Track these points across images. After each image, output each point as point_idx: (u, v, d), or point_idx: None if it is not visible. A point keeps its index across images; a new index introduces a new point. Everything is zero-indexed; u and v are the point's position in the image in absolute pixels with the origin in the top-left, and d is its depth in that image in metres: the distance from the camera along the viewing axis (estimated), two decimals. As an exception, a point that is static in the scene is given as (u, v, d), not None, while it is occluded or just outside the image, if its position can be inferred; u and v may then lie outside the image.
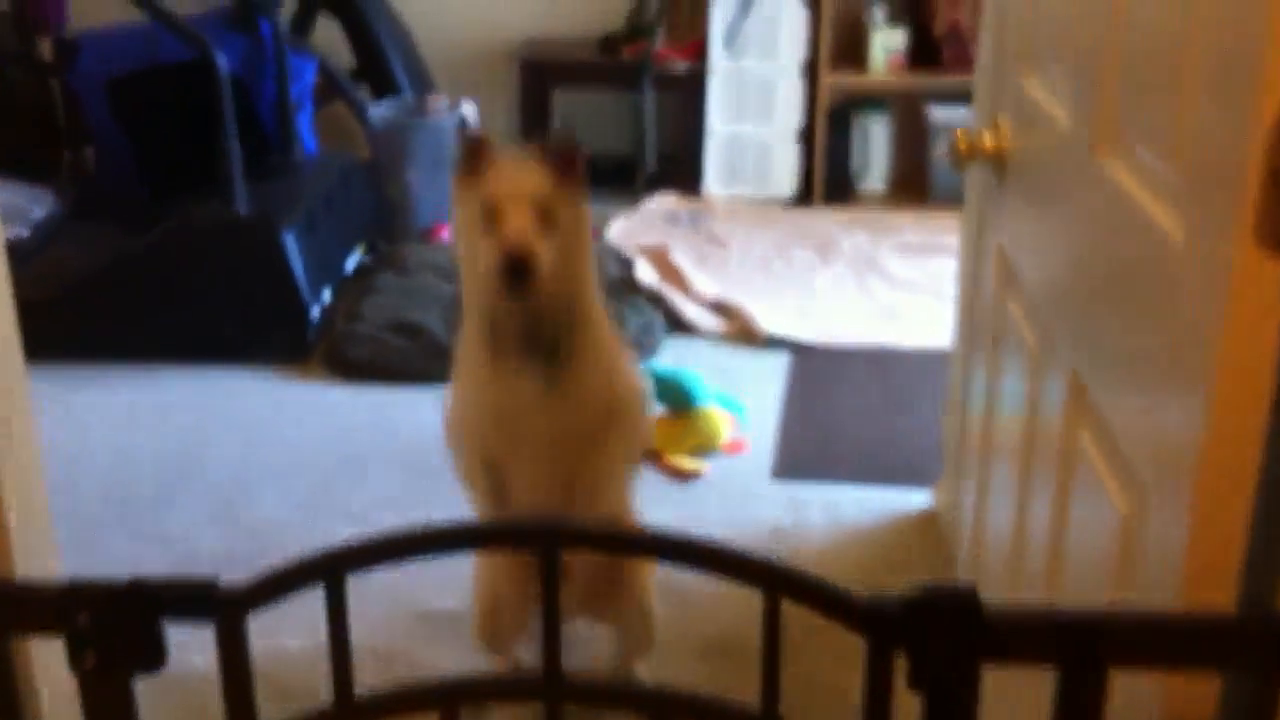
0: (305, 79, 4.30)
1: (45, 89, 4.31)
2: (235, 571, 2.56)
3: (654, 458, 3.03)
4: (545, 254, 1.69)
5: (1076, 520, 1.43)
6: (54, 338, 3.51)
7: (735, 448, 3.09)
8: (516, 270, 1.66)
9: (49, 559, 2.01)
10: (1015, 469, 1.71)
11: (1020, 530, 1.68)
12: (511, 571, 1.98)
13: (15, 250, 3.79)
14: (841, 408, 3.31)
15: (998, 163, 1.73)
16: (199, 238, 3.50)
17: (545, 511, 1.89)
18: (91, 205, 4.08)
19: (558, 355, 1.79)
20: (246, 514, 2.81)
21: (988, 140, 1.73)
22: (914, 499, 2.87)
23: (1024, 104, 1.66)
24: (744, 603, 2.33)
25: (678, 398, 3.08)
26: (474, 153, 1.75)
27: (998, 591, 1.76)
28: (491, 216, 1.70)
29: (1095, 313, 1.34)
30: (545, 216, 1.70)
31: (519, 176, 1.72)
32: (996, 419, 1.91)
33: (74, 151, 4.48)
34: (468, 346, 1.87)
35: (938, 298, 4.01)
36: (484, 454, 1.90)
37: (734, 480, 2.95)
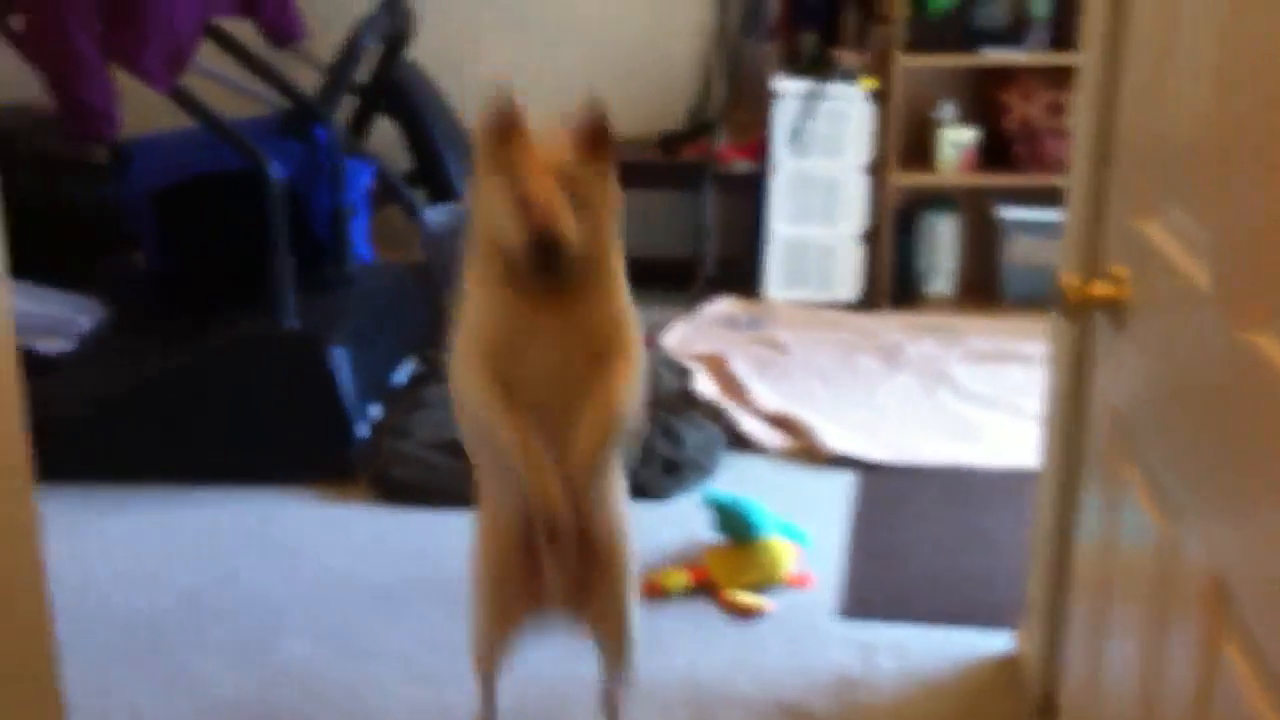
0: (361, 184, 4.23)
1: (94, 197, 4.27)
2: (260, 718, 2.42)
3: (712, 592, 2.85)
4: (574, 232, 1.67)
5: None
6: (90, 458, 3.43)
7: (799, 582, 2.90)
8: (547, 249, 1.65)
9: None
10: (1137, 651, 1.51)
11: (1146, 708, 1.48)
12: (506, 585, 1.99)
13: (59, 365, 3.75)
14: (912, 536, 3.11)
15: (1115, 313, 1.56)
16: (243, 353, 3.40)
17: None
18: (138, 315, 4.00)
19: (572, 291, 1.80)
20: (276, 654, 2.66)
21: (1100, 290, 1.55)
22: (993, 642, 2.66)
23: (1146, 252, 1.49)
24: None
25: (738, 527, 2.90)
26: (504, 120, 1.71)
27: None
28: (520, 188, 1.67)
29: (1246, 515, 1.15)
30: (574, 191, 1.68)
31: (549, 150, 1.69)
32: (1111, 581, 1.71)
33: (122, 260, 4.42)
34: (479, 279, 1.84)
35: (1012, 413, 3.81)
36: (494, 369, 1.86)
37: (798, 619, 2.76)
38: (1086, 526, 1.96)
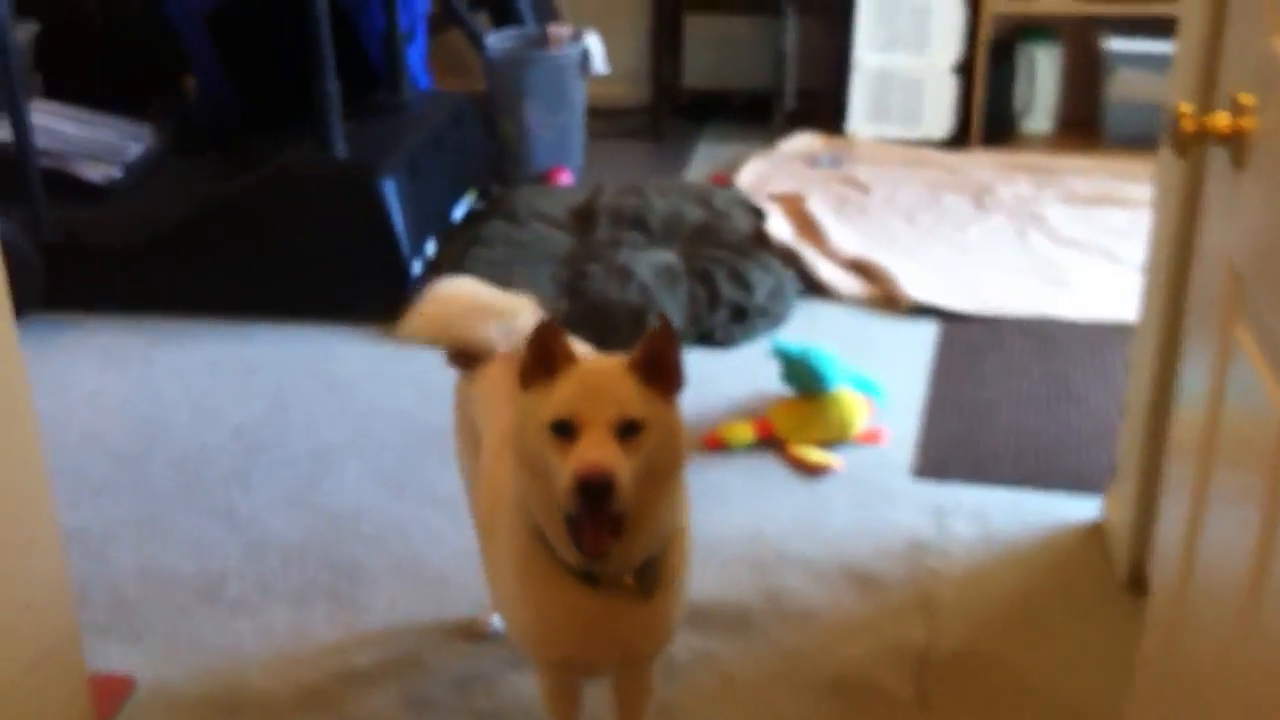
0: (418, 6, 3.99)
1: (148, 21, 4.08)
2: (305, 563, 2.33)
3: (779, 447, 2.69)
4: (627, 476, 1.39)
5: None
6: (139, 288, 3.33)
7: (871, 438, 2.72)
8: (594, 495, 1.37)
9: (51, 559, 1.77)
10: (1242, 524, 1.32)
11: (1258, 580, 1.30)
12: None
13: (107, 193, 3.62)
14: (995, 392, 2.91)
15: (1235, 148, 1.32)
16: (291, 185, 3.23)
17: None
18: (191, 141, 3.85)
19: (645, 579, 1.52)
20: (325, 495, 2.56)
21: (1219, 121, 1.31)
22: (1078, 509, 2.47)
23: (1277, 76, 1.25)
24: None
25: (808, 380, 2.72)
26: (545, 346, 1.46)
27: (1214, 635, 1.39)
28: (566, 430, 1.41)
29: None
30: (630, 430, 1.41)
31: (601, 387, 1.42)
32: (1216, 449, 1.51)
33: (174, 85, 4.26)
34: (524, 555, 1.56)
35: (1110, 260, 3.55)
36: (557, 661, 1.64)
37: (868, 478, 2.59)
38: (1190, 388, 1.76)
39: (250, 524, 2.47)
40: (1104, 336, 3.14)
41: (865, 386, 2.82)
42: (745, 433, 2.71)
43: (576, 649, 1.58)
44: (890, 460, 2.65)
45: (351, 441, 2.75)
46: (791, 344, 2.79)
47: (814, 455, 2.64)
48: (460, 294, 1.94)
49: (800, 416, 2.71)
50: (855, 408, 2.72)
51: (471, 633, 2.15)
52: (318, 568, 2.33)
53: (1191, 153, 1.38)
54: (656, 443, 1.42)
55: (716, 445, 2.70)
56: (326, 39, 3.15)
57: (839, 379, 2.73)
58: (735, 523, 2.44)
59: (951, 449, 2.68)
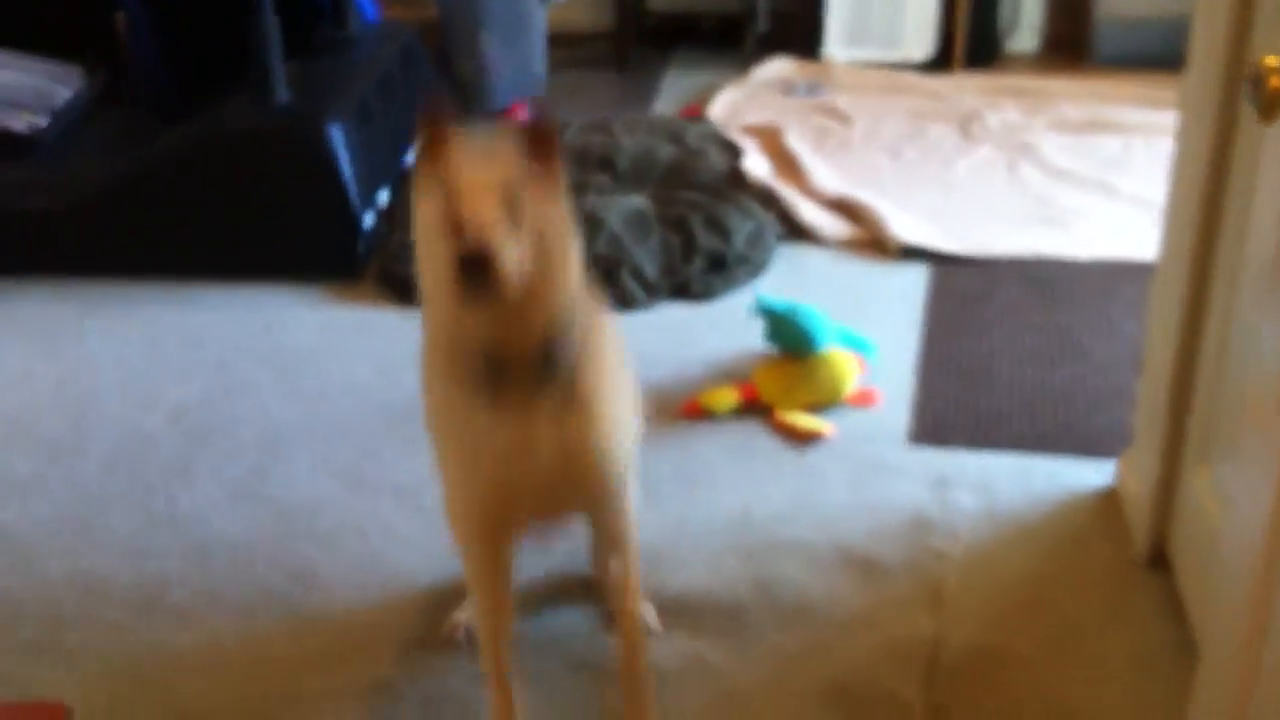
0: (362, -68, 3.70)
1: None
2: (254, 566, 2.13)
3: (765, 413, 2.50)
4: (510, 250, 1.38)
5: None
6: (70, 252, 3.09)
7: (864, 399, 2.53)
8: (475, 266, 1.36)
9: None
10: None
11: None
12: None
13: (33, 145, 3.34)
14: (993, 343, 2.72)
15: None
16: (230, 137, 2.98)
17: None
18: (122, 87, 3.57)
19: (546, 387, 1.51)
20: (274, 487, 2.35)
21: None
22: (1089, 474, 2.30)
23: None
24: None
25: (794, 339, 2.53)
26: (435, 134, 1.46)
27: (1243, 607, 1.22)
28: (452, 210, 1.40)
29: None
30: (514, 208, 1.40)
31: (483, 160, 1.43)
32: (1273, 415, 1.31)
33: (106, 23, 3.94)
34: (437, 387, 1.59)
35: (1107, 193, 3.35)
36: (482, 525, 1.65)
37: (862, 445, 2.41)
38: (1240, 349, 1.56)
39: (193, 522, 2.27)
40: (1105, 278, 2.95)
41: (855, 343, 2.63)
42: (728, 399, 2.52)
43: (503, 491, 1.56)
44: (885, 425, 2.46)
45: (303, 425, 2.53)
46: (776, 300, 2.59)
47: (803, 422, 2.45)
48: None
49: (787, 379, 2.52)
50: (846, 368, 2.53)
51: (441, 640, 1.96)
52: (267, 571, 2.13)
53: (1274, 115, 1.17)
54: (538, 209, 1.41)
55: (697, 413, 2.51)
56: (261, -30, 2.88)
57: (828, 337, 2.54)
58: (722, 504, 2.25)
59: (950, 411, 2.49)
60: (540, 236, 1.42)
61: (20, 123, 3.27)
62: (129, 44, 3.77)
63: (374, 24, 3.76)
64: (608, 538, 1.75)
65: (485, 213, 1.38)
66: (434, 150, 1.45)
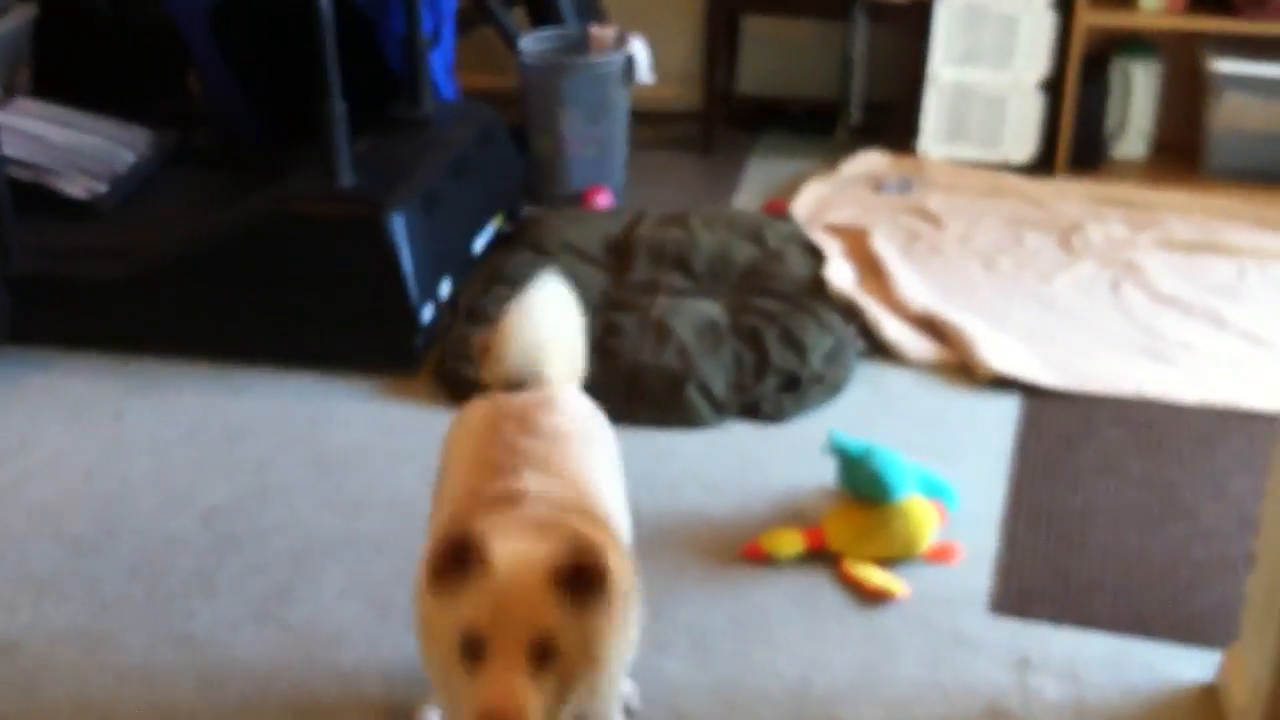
0: (445, 5, 3.58)
1: (156, 11, 3.69)
2: (266, 704, 1.96)
3: (832, 561, 2.30)
4: (538, 705, 1.27)
5: None
6: (119, 325, 2.99)
7: (942, 555, 2.32)
8: None
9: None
10: None
11: None
12: None
13: (90, 212, 3.20)
14: (1089, 499, 2.49)
15: None
16: (289, 220, 2.85)
17: None
18: (187, 156, 3.48)
19: None
20: (299, 609, 2.19)
21: None
22: (1189, 665, 2.06)
23: None
24: None
25: (870, 486, 2.33)
26: (458, 548, 1.33)
27: None
28: (474, 647, 1.29)
29: None
30: (546, 651, 1.29)
31: (515, 602, 1.30)
32: None
33: (178, 85, 3.88)
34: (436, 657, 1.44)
35: (1216, 325, 3.11)
36: None
37: (938, 611, 2.19)
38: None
39: (209, 645, 2.11)
40: (1212, 426, 2.71)
41: (936, 489, 2.42)
42: (793, 543, 2.32)
43: None
44: (964, 588, 2.25)
45: (337, 538, 2.38)
46: (851, 440, 2.40)
47: (875, 578, 2.24)
48: (546, 324, 1.83)
49: (859, 528, 2.32)
50: (924, 520, 2.32)
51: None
52: (280, 712, 1.97)
53: None
54: (575, 664, 1.31)
55: (758, 556, 2.32)
56: (332, 51, 2.75)
57: (906, 485, 2.33)
58: (779, 670, 2.06)
59: (1037, 576, 2.27)
60: (567, 689, 1.31)
61: (78, 188, 3.18)
62: (209, 100, 3.69)
63: (453, 103, 3.63)
64: None
65: (511, 673, 1.26)
66: (459, 569, 1.34)
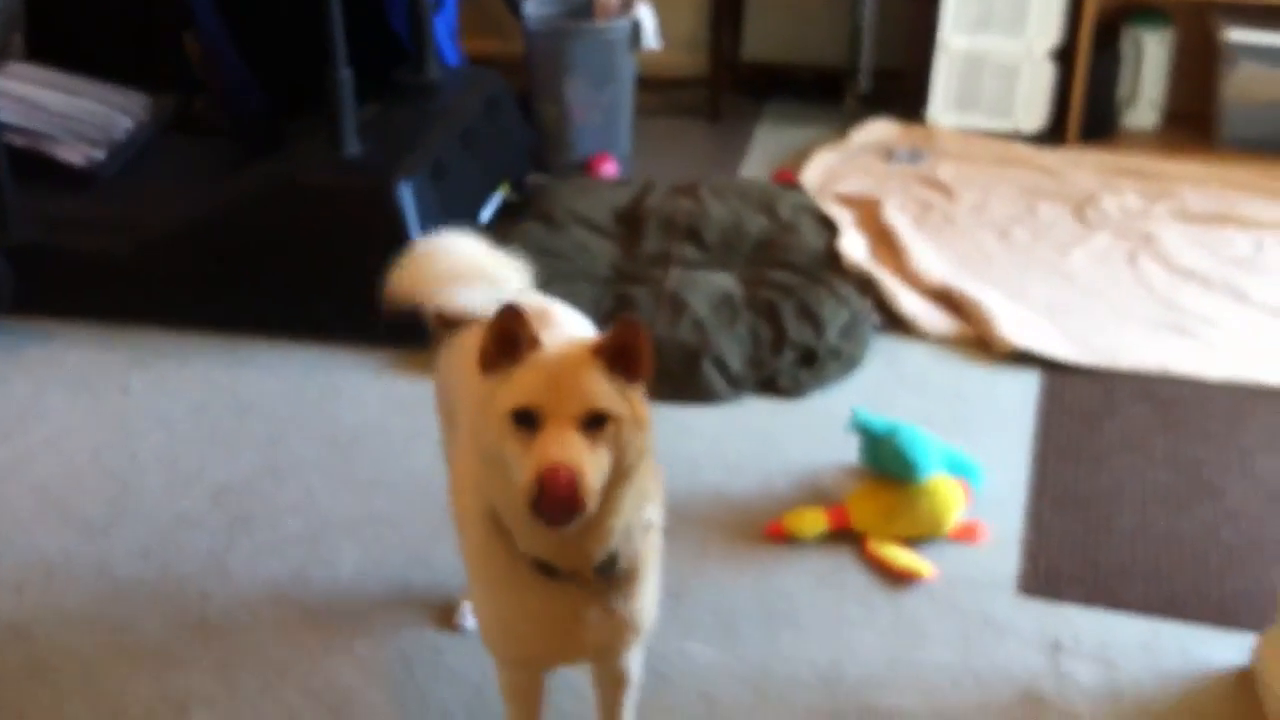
0: (449, -32, 3.50)
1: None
2: (284, 690, 1.91)
3: (857, 540, 2.26)
4: (594, 478, 1.32)
5: None
6: (123, 297, 2.93)
7: (968, 535, 2.28)
8: (557, 506, 1.30)
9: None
10: None
11: None
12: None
13: (90, 179, 3.14)
14: (1114, 477, 2.45)
15: None
16: (297, 190, 2.78)
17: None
18: (189, 122, 3.40)
19: (608, 574, 1.46)
20: (315, 591, 2.15)
21: None
22: (1223, 651, 2.03)
23: None
24: None
25: (895, 465, 2.28)
26: (507, 330, 1.37)
27: None
28: (528, 421, 1.33)
29: None
30: (595, 423, 1.33)
31: (566, 376, 1.34)
32: None
33: (176, 47, 3.78)
34: (484, 550, 1.50)
35: (1236, 298, 3.07)
36: (518, 659, 1.61)
37: (966, 593, 2.16)
38: None
39: (224, 631, 2.06)
40: (1237, 402, 2.68)
41: (961, 468, 2.38)
42: (816, 523, 2.28)
43: (538, 647, 1.54)
44: (991, 569, 2.21)
45: (352, 518, 2.33)
46: (875, 419, 2.35)
47: (901, 558, 2.21)
48: (450, 253, 1.82)
49: (884, 507, 2.28)
50: (950, 499, 2.28)
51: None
52: (297, 697, 1.93)
53: None
54: (623, 436, 1.35)
55: (781, 536, 2.28)
56: (338, 15, 2.68)
57: (932, 464, 2.29)
58: (808, 656, 2.02)
59: (1065, 558, 2.24)
60: (620, 456, 1.35)
61: (77, 155, 3.10)
62: (209, 67, 3.59)
63: (460, 69, 3.55)
64: (615, 675, 1.70)
65: (569, 446, 1.30)
66: (509, 348, 1.38)
